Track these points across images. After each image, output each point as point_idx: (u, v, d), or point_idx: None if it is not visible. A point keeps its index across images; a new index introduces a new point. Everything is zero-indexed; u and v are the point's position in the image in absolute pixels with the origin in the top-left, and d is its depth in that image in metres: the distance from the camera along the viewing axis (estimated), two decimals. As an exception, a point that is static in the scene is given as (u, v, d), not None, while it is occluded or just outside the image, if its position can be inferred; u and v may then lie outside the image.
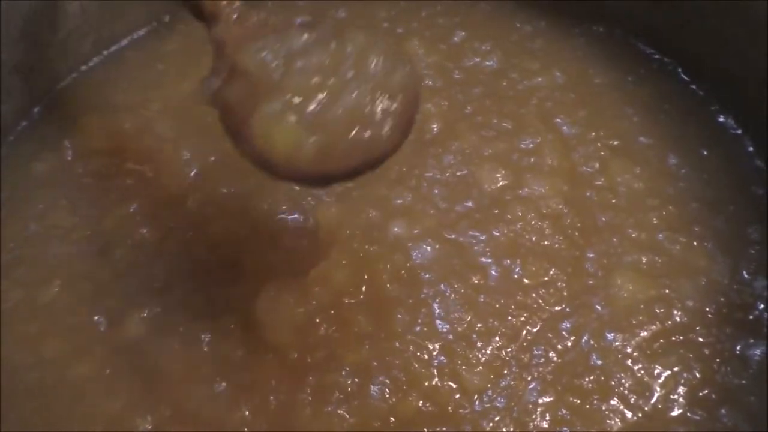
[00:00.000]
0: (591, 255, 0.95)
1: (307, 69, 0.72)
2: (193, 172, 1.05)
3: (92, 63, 1.22)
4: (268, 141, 0.72)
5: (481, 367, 0.86)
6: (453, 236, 0.96)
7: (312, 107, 0.71)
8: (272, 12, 1.20)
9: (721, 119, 1.10)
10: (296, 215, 0.98)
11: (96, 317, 0.92)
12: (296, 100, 0.71)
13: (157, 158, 1.07)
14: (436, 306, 0.90)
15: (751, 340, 0.89)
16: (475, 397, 0.85)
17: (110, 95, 1.16)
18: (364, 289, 0.89)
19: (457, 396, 0.85)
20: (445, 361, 0.87)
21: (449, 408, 0.84)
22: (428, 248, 0.95)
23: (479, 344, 0.88)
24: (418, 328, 0.88)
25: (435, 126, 1.08)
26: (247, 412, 0.83)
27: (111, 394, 0.86)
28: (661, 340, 0.89)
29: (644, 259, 0.95)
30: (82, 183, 1.06)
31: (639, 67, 1.16)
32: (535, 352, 0.88)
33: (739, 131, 1.08)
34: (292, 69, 0.72)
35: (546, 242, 0.96)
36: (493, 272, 0.94)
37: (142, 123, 1.11)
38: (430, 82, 1.13)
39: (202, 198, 1.02)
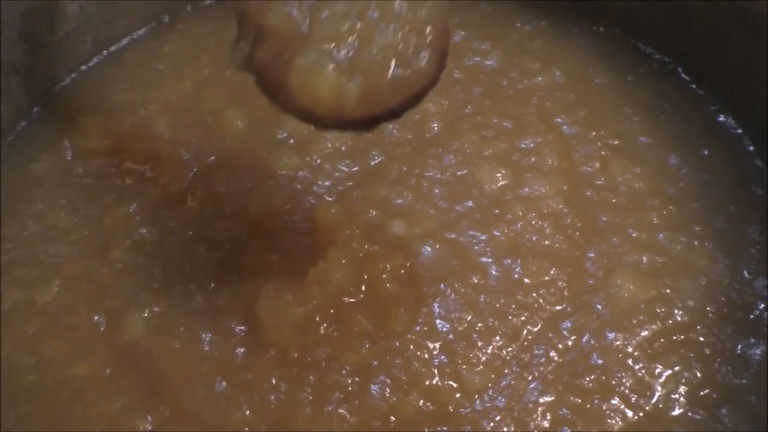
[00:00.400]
0: (591, 255, 0.95)
1: (333, 17, 0.72)
2: (192, 172, 1.05)
3: (92, 63, 1.22)
4: (309, 93, 0.72)
5: (481, 367, 0.86)
6: (453, 236, 0.96)
7: (346, 53, 0.71)
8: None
9: (721, 119, 1.10)
10: (296, 215, 0.98)
11: (96, 317, 0.92)
12: (329, 47, 0.71)
13: (156, 158, 1.06)
14: (436, 306, 0.90)
15: (752, 340, 0.89)
16: (476, 396, 0.84)
17: (109, 95, 1.16)
18: (363, 288, 0.89)
19: (458, 395, 0.84)
20: (445, 360, 0.86)
21: (450, 407, 0.84)
22: (428, 248, 0.94)
23: (480, 344, 0.88)
24: (418, 328, 0.88)
25: (435, 125, 1.08)
26: (247, 412, 0.83)
27: (111, 395, 0.86)
28: (662, 340, 0.89)
29: (645, 259, 0.95)
30: (81, 183, 1.06)
31: (639, 67, 1.16)
32: (536, 351, 0.88)
33: (739, 131, 1.08)
34: (318, 20, 0.72)
35: (546, 242, 0.96)
36: (493, 272, 0.94)
37: (141, 123, 1.11)
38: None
39: (202, 198, 1.01)
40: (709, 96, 1.12)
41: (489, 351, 0.88)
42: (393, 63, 0.71)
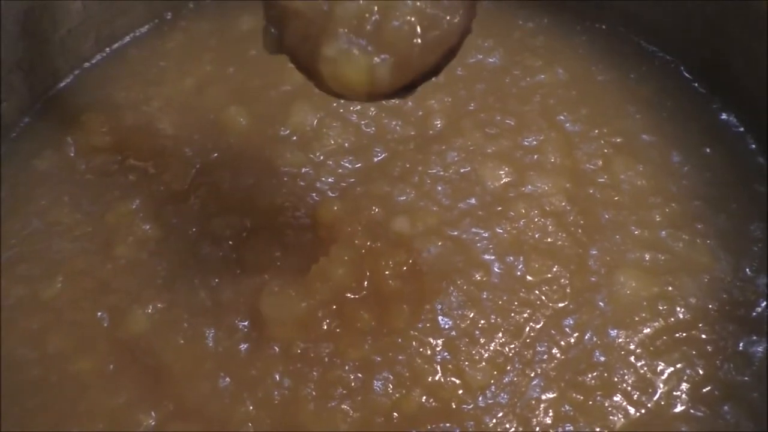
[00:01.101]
0: (594, 252, 0.95)
1: None
2: (194, 169, 1.05)
3: (94, 60, 1.22)
4: (341, 81, 0.71)
5: (483, 364, 0.87)
6: (456, 233, 0.96)
7: (371, 29, 0.70)
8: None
9: (723, 117, 1.10)
10: (299, 211, 0.98)
11: (99, 313, 0.92)
12: (352, 25, 0.70)
13: (159, 155, 1.07)
14: (438, 302, 0.90)
15: (754, 337, 0.89)
16: (478, 393, 0.85)
17: (112, 92, 1.16)
18: (366, 285, 0.89)
19: (460, 392, 0.85)
20: (448, 357, 0.87)
21: (452, 404, 0.84)
22: (431, 245, 0.95)
23: (482, 341, 0.88)
24: (420, 325, 0.88)
25: (438, 122, 1.08)
26: (251, 407, 0.83)
27: (114, 390, 0.87)
28: (664, 337, 0.89)
29: (647, 257, 0.95)
30: (84, 180, 1.06)
31: (641, 65, 1.16)
32: (538, 348, 0.88)
33: (741, 129, 1.08)
34: None
35: (549, 239, 0.96)
36: (495, 269, 0.94)
37: (143, 120, 1.11)
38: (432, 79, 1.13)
39: (205, 194, 1.02)
40: (710, 94, 1.12)
41: (491, 348, 0.88)
42: (419, 29, 0.70)
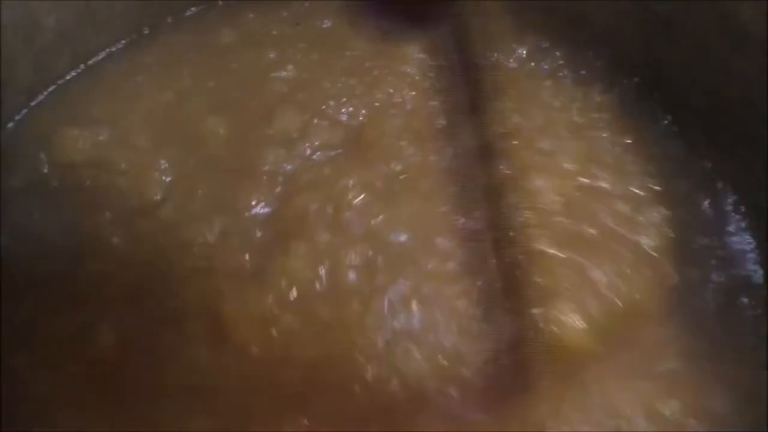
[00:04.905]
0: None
1: None
2: (169, 179, 1.02)
3: (69, 77, 1.19)
4: None
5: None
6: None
7: None
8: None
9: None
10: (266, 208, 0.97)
11: (67, 328, 0.89)
12: None
13: (132, 168, 1.04)
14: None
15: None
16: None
17: (88, 108, 1.13)
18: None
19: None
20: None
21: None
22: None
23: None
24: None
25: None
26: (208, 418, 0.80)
27: (79, 408, 0.84)
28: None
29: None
30: (56, 195, 1.03)
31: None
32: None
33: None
34: None
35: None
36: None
37: (119, 134, 1.08)
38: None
39: (178, 205, 0.99)
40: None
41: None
42: None
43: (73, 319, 0.90)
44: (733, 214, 1.00)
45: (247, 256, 0.90)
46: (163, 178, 1.02)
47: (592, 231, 0.93)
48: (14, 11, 1.06)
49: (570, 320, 0.85)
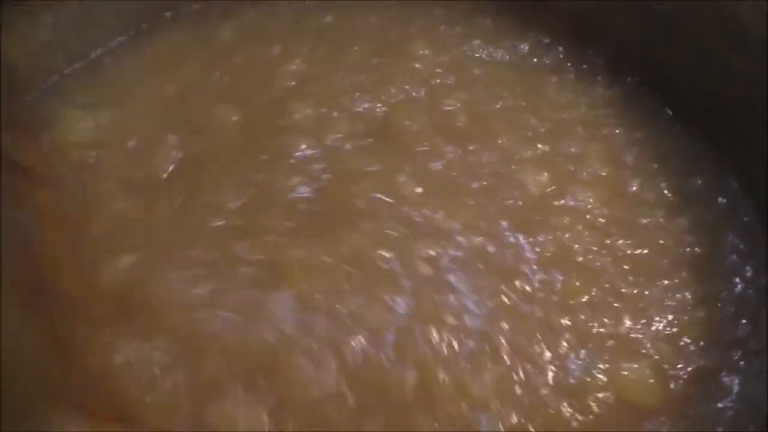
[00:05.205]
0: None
1: None
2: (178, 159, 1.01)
3: (67, 71, 1.15)
4: None
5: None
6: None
7: None
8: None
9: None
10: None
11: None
12: None
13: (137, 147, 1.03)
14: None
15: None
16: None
17: (87, 100, 1.10)
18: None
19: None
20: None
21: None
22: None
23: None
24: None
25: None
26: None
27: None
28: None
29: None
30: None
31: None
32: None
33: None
34: None
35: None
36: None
37: (121, 118, 1.06)
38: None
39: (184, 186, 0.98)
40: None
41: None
42: None
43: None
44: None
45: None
46: (169, 157, 1.01)
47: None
48: (12, 7, 1.03)
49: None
